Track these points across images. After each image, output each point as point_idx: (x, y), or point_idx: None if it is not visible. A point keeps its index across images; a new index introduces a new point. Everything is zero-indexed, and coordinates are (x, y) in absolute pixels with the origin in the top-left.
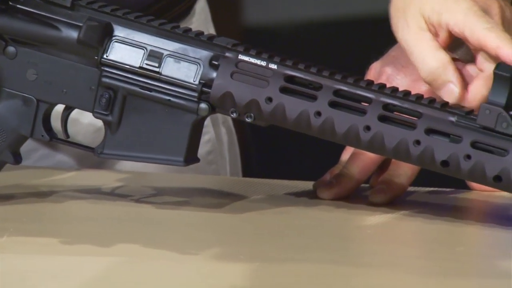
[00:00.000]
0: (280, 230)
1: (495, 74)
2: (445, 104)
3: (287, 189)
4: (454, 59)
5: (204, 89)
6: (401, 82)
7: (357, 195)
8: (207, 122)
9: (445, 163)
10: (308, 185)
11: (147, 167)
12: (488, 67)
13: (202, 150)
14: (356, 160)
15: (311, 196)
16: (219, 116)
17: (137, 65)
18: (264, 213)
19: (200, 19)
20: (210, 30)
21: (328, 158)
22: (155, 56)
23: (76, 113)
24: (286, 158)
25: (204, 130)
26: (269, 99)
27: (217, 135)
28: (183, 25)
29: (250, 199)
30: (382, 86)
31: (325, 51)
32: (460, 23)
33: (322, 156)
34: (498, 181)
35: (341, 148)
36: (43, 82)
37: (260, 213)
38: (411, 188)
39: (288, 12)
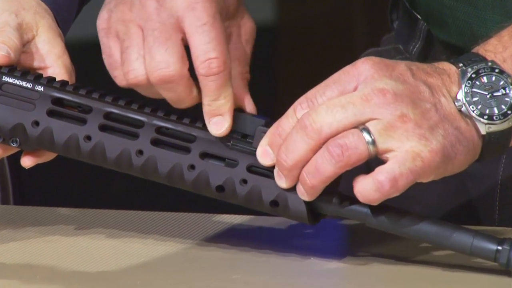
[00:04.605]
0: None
1: None
2: None
3: (56, 216)
4: None
5: None
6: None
7: None
8: None
9: (220, 188)
10: (79, 212)
11: None
12: None
13: None
14: None
15: (80, 223)
16: None
17: None
18: (32, 242)
19: None
20: None
21: (100, 183)
22: None
23: None
24: (63, 184)
25: None
26: (36, 123)
27: None
28: None
29: (16, 227)
30: (155, 109)
31: None
32: None
33: (98, 182)
34: (274, 206)
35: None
36: None
37: (28, 242)
38: (188, 215)
39: None
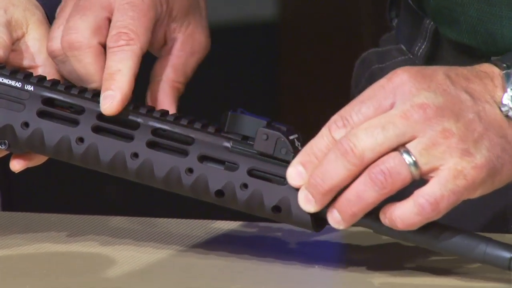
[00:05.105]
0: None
1: None
2: (219, 129)
3: (46, 222)
4: None
5: None
6: None
7: None
8: None
9: (220, 193)
10: (70, 218)
11: None
12: None
13: None
14: None
15: (72, 230)
16: None
17: None
18: (21, 249)
19: None
20: None
21: (93, 187)
22: None
23: None
24: (54, 189)
25: None
26: (26, 124)
27: None
28: None
29: (4, 234)
30: (151, 110)
31: None
32: None
33: (90, 187)
34: (277, 212)
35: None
36: None
37: (17, 250)
38: (186, 221)
39: None
